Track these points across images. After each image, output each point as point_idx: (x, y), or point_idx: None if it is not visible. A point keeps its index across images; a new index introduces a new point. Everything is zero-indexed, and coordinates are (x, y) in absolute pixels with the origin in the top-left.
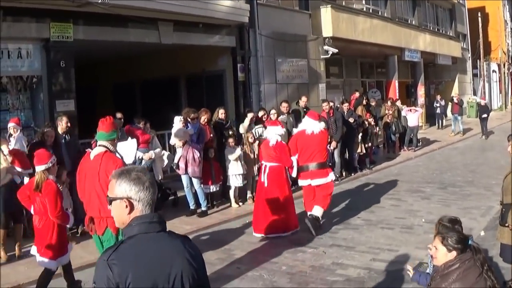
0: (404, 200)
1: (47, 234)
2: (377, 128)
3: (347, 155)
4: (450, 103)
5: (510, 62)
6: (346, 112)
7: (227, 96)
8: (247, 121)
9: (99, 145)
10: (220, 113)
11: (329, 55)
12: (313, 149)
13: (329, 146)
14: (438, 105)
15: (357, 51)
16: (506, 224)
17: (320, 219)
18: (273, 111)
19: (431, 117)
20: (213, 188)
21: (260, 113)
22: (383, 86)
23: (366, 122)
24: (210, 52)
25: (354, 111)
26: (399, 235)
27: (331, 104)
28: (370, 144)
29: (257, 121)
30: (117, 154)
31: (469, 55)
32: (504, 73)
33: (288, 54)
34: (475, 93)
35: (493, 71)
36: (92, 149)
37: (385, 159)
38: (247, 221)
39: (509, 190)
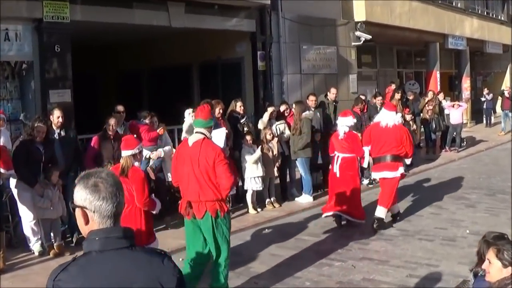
0: (446, 208)
1: (134, 222)
2: (415, 126)
3: None
4: (500, 98)
5: None
6: (379, 107)
7: (245, 87)
8: (266, 116)
9: (197, 132)
10: (238, 106)
11: (361, 42)
12: (385, 142)
13: None
14: (485, 99)
15: (393, 38)
16: None
17: (384, 219)
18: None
19: (478, 114)
20: None
21: (282, 108)
22: (423, 78)
23: (402, 119)
24: (227, 38)
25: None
26: (440, 248)
27: (363, 97)
28: None
29: (278, 116)
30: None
31: None
32: None
33: (315, 41)
34: None
35: None
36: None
37: (424, 161)
38: (267, 230)
39: None
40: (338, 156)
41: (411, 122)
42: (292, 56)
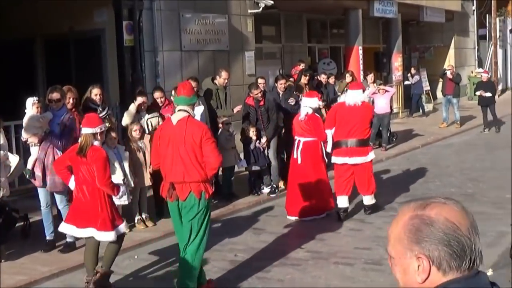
0: (369, 222)
1: (98, 205)
2: None
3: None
4: (441, 80)
5: None
6: (282, 92)
7: (107, 68)
8: (133, 108)
9: (180, 110)
10: (94, 94)
11: (261, 10)
12: (354, 124)
13: (258, 143)
14: (411, 81)
15: (302, 4)
16: None
17: (374, 201)
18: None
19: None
20: None
21: (156, 95)
22: (341, 55)
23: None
24: (82, 3)
25: (296, 89)
26: (362, 274)
27: (262, 82)
28: None
29: (151, 107)
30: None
31: (474, 7)
32: None
33: (200, 8)
34: (481, 64)
35: None
36: None
37: None
38: (136, 257)
39: None
40: (299, 141)
41: (324, 111)
42: (170, 28)
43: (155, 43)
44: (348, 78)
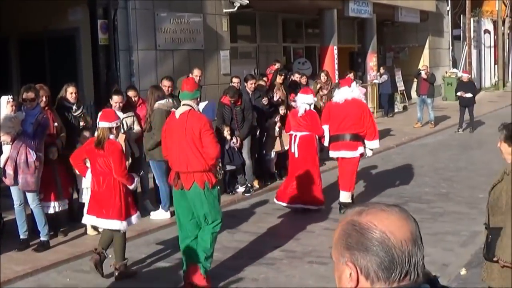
0: None
1: (112, 195)
2: None
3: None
4: (415, 80)
5: None
6: (251, 92)
7: (81, 67)
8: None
9: (183, 104)
10: (69, 93)
11: (236, 9)
12: (344, 118)
13: (233, 143)
14: (379, 81)
15: (277, 4)
16: (495, 258)
17: (351, 200)
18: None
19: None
20: (57, 207)
21: (130, 94)
22: (316, 55)
23: (283, 107)
24: (56, 2)
25: (269, 89)
26: None
27: (236, 81)
28: None
29: (126, 106)
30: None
31: (448, 8)
32: (504, 34)
33: (175, 7)
34: (455, 65)
35: (486, 31)
36: None
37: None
38: (111, 256)
39: (499, 206)
40: (295, 135)
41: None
42: (145, 27)
43: (130, 42)
44: (323, 78)
